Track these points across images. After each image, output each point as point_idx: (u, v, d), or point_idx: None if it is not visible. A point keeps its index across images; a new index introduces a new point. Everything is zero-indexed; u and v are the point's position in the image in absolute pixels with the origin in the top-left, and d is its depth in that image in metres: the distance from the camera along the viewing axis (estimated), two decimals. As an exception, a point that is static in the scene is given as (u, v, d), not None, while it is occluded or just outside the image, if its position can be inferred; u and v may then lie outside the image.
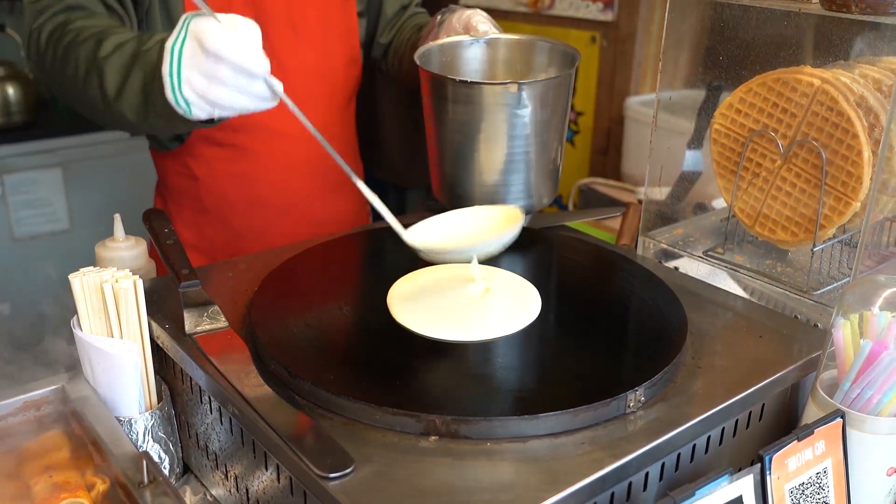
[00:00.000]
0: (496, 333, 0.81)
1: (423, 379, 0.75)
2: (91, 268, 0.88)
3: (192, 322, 0.86)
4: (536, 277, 0.95)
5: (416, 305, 0.84)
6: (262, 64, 0.82)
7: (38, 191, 2.50)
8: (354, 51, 1.35)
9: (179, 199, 1.33)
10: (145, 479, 0.71)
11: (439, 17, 1.19)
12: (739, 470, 0.69)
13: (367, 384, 0.73)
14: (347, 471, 0.63)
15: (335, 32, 1.30)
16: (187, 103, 0.85)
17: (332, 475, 0.63)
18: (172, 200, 1.34)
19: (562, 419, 0.70)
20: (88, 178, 2.53)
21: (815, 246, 0.92)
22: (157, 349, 0.89)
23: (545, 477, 0.64)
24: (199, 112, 0.86)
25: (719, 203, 1.17)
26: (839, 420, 0.76)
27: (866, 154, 0.85)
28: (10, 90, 2.41)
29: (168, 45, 0.85)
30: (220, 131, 1.24)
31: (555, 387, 0.75)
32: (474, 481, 0.64)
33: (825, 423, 0.75)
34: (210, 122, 0.91)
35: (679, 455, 0.74)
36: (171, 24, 1.15)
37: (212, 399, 0.81)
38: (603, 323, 0.88)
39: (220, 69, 0.81)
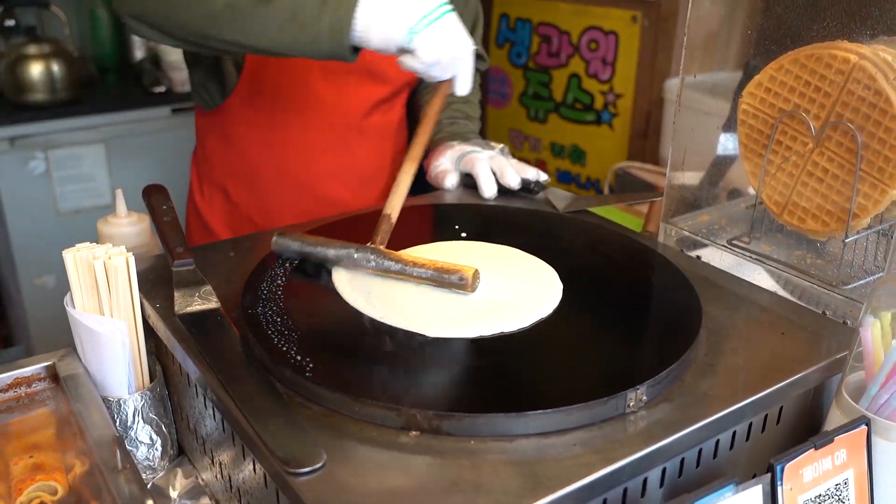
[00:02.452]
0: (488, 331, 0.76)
1: (408, 371, 0.71)
2: (87, 243, 0.86)
3: (183, 302, 0.83)
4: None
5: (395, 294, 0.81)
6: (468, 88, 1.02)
7: (81, 166, 2.53)
8: None
9: (213, 162, 1.35)
10: (119, 465, 0.69)
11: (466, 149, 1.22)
12: (753, 477, 0.64)
13: (349, 374, 0.70)
14: (317, 466, 0.60)
15: None
16: (410, 40, 0.93)
17: (300, 471, 0.59)
18: (206, 163, 1.36)
19: (553, 418, 0.65)
20: (131, 154, 2.57)
21: (847, 237, 0.85)
22: (152, 328, 0.87)
23: (527, 481, 0.59)
24: (425, 55, 0.94)
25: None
26: (864, 427, 0.70)
27: (906, 137, 0.77)
28: (56, 67, 2.43)
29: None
30: (259, 96, 1.26)
31: (549, 382, 0.70)
32: (450, 483, 0.59)
33: (847, 431, 0.69)
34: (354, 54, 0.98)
35: (683, 460, 0.69)
36: None
37: (196, 383, 0.79)
38: (610, 315, 0.82)
39: (467, 53, 0.98)
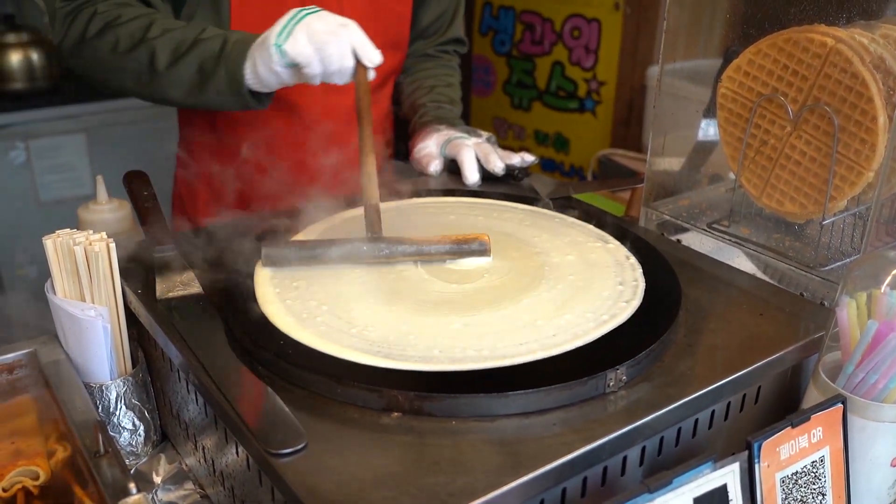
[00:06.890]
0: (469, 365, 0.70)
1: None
2: (67, 229, 0.86)
3: (164, 288, 0.83)
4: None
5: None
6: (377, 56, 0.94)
7: (62, 156, 2.51)
8: (400, 36, 1.31)
9: (199, 153, 1.33)
10: (101, 449, 0.69)
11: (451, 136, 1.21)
12: (733, 455, 0.64)
13: (330, 356, 0.70)
14: (298, 447, 0.60)
15: (383, 14, 1.26)
16: (281, 52, 0.94)
17: (282, 451, 0.60)
18: (193, 156, 1.35)
19: (533, 398, 0.65)
20: (112, 143, 2.54)
21: (824, 219, 0.86)
22: (134, 314, 0.87)
23: (508, 460, 0.60)
24: (298, 56, 0.93)
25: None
26: (840, 406, 0.71)
27: (882, 119, 0.78)
28: (35, 56, 2.41)
29: (291, 12, 0.96)
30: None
31: (530, 363, 0.71)
32: (432, 462, 0.60)
33: (824, 409, 0.70)
34: (260, 102, 1.02)
35: (662, 438, 0.70)
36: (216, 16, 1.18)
37: (179, 367, 0.79)
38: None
39: (343, 32, 0.93)
